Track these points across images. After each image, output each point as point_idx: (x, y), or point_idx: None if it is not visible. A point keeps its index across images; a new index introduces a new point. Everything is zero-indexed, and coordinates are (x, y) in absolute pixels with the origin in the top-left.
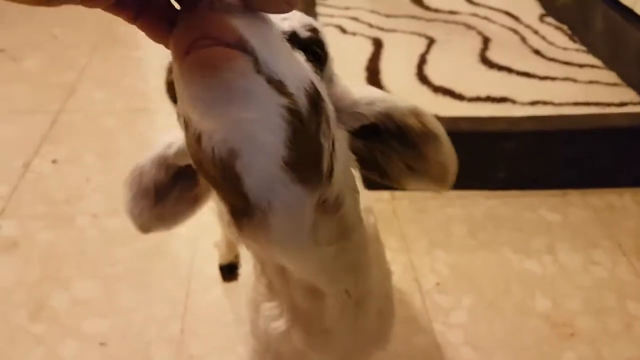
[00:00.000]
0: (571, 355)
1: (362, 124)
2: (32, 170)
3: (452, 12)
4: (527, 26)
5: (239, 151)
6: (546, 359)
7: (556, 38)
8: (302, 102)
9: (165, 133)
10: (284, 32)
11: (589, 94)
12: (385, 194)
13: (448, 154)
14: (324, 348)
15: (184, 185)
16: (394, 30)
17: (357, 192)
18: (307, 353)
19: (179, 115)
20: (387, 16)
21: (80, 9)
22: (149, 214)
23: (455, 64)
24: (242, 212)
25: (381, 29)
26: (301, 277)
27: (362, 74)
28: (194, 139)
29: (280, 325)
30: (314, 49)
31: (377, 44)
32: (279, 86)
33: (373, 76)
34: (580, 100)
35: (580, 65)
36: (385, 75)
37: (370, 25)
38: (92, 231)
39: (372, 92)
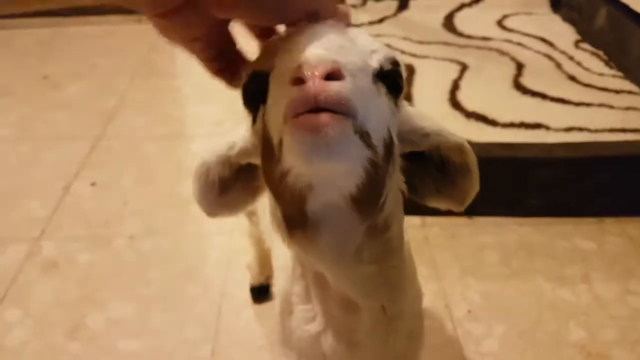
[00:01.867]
0: None
1: (412, 150)
2: (72, 193)
3: (485, 39)
4: (562, 52)
5: (316, 187)
6: None
7: (592, 64)
8: (381, 151)
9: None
10: (373, 69)
11: (626, 120)
12: (415, 220)
13: (475, 184)
14: (350, 359)
15: (245, 179)
16: (426, 57)
17: (403, 215)
18: None
19: (254, 129)
20: (420, 43)
21: (119, 39)
22: (215, 203)
23: (488, 90)
24: (297, 223)
25: (414, 55)
26: (339, 289)
27: None
28: (279, 170)
29: (312, 328)
30: (394, 80)
31: (410, 71)
32: (366, 138)
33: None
34: (617, 126)
35: (617, 91)
36: (418, 101)
37: (403, 52)
38: (128, 253)
39: (429, 122)
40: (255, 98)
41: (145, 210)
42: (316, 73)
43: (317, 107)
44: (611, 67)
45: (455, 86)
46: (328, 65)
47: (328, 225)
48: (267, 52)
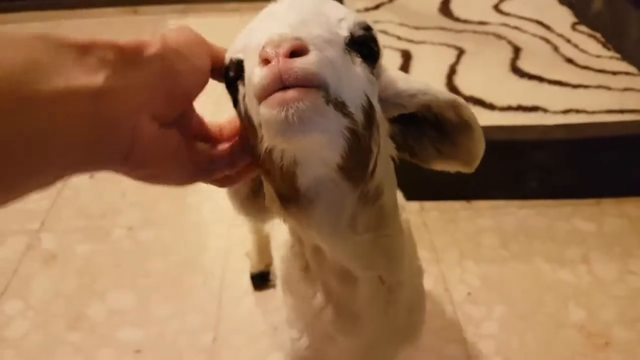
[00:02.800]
0: None
1: (401, 113)
2: (70, 186)
3: (481, 23)
4: (560, 35)
5: (301, 162)
6: None
7: (589, 46)
8: (360, 118)
9: None
10: (344, 37)
11: (624, 101)
12: (414, 205)
13: (479, 142)
14: (352, 331)
15: None
16: (423, 42)
17: (395, 181)
18: (335, 336)
19: (241, 115)
20: (416, 28)
21: (115, 30)
22: (250, 209)
23: (485, 74)
24: (291, 199)
25: (410, 41)
26: (336, 261)
27: None
28: (264, 150)
29: (313, 304)
30: (368, 45)
31: (406, 56)
32: (342, 108)
33: None
34: (615, 107)
35: (614, 73)
36: None
37: (399, 38)
38: (127, 244)
39: (415, 83)
40: (234, 82)
41: (143, 201)
42: (280, 51)
43: (285, 85)
44: (608, 49)
45: (452, 71)
46: (290, 43)
47: (320, 196)
48: (241, 38)
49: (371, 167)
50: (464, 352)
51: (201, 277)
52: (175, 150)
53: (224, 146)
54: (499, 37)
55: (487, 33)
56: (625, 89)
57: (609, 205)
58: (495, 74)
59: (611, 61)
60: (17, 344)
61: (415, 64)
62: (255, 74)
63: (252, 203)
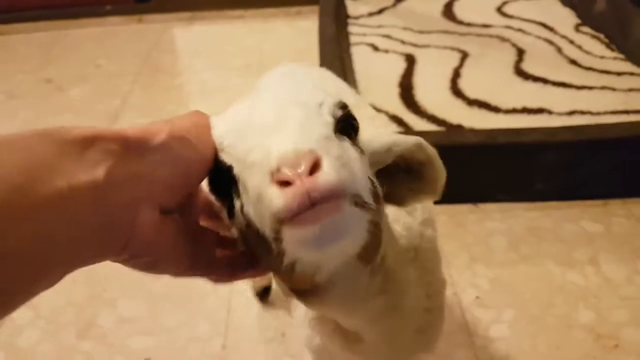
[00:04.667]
0: None
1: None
2: None
3: (485, 26)
4: (563, 36)
5: (324, 266)
6: None
7: (593, 47)
8: (373, 204)
9: None
10: (331, 124)
11: (628, 102)
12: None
13: (441, 171)
14: (361, 354)
15: None
16: (427, 46)
17: (394, 238)
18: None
19: (238, 228)
20: (420, 32)
21: (121, 39)
22: None
23: (489, 77)
24: (306, 291)
25: (414, 45)
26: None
27: (395, 91)
28: (283, 262)
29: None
30: (349, 122)
31: (410, 60)
32: (361, 202)
33: (406, 92)
34: (619, 108)
35: (619, 74)
36: (419, 91)
37: (403, 42)
38: None
39: (384, 137)
40: (223, 191)
41: None
42: (300, 172)
43: (313, 203)
44: (612, 50)
45: (456, 74)
46: (308, 161)
47: (336, 283)
48: (218, 139)
49: (383, 243)
50: (474, 355)
51: (210, 284)
52: (175, 239)
53: (223, 252)
54: (502, 39)
55: (490, 36)
56: (630, 90)
57: (616, 206)
58: (500, 77)
59: (615, 62)
60: (29, 353)
61: (419, 68)
62: (276, 197)
63: None
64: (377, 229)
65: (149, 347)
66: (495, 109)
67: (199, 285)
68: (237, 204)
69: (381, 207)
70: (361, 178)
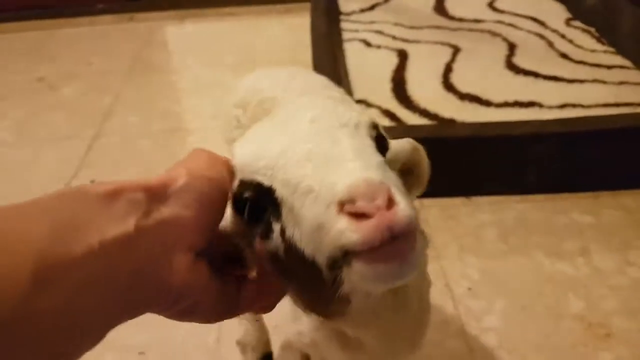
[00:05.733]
0: (607, 355)
1: None
2: None
3: (476, 21)
4: (554, 31)
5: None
6: None
7: (584, 41)
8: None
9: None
10: (372, 146)
11: (619, 94)
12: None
13: (428, 166)
14: (356, 355)
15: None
16: (418, 41)
17: None
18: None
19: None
20: (412, 28)
21: (113, 38)
22: None
23: (481, 71)
24: (327, 305)
25: (406, 40)
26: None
27: (388, 86)
28: (338, 294)
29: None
30: (381, 143)
31: (402, 56)
32: (417, 227)
33: (399, 87)
34: (610, 101)
35: (609, 67)
36: (411, 86)
37: (395, 38)
38: None
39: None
40: (255, 210)
41: None
42: (378, 205)
43: (392, 237)
44: (603, 43)
45: (448, 69)
46: (384, 193)
47: (357, 296)
48: (252, 153)
49: None
50: (466, 345)
51: None
52: (209, 278)
53: (252, 286)
54: (494, 34)
55: (482, 31)
56: (621, 83)
57: (606, 198)
58: (491, 71)
59: (606, 55)
60: None
61: (411, 63)
62: (349, 230)
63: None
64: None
65: (143, 342)
66: (487, 103)
67: None
68: (276, 227)
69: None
70: (410, 203)
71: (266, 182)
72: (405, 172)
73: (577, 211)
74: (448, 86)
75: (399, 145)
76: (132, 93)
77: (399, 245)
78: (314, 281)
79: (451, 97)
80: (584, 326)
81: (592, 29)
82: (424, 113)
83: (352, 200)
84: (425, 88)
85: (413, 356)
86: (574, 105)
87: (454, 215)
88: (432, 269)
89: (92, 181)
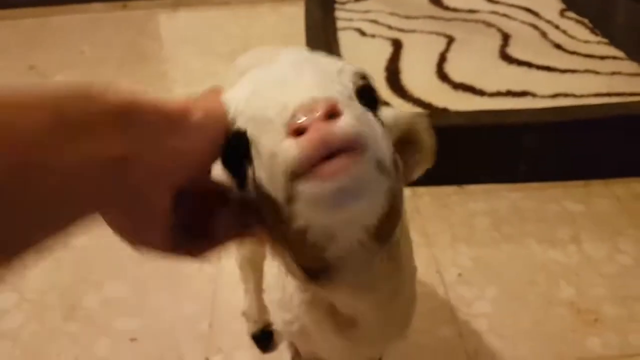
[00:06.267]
0: (596, 340)
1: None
2: None
3: (471, 11)
4: (548, 21)
5: (339, 235)
6: (571, 346)
7: (577, 32)
8: (394, 173)
9: None
10: (353, 90)
11: (611, 85)
12: (406, 191)
13: (432, 137)
14: (350, 336)
15: None
16: (413, 31)
17: (405, 225)
18: (330, 335)
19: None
20: (407, 17)
21: (105, 26)
22: None
23: (475, 61)
24: (316, 269)
25: (400, 30)
26: (346, 312)
27: (382, 75)
28: (293, 229)
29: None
30: (370, 94)
31: (397, 45)
32: (382, 167)
33: (393, 76)
34: (602, 91)
35: (602, 57)
36: (405, 75)
37: (390, 27)
38: None
39: (388, 111)
40: (236, 162)
41: None
42: (315, 116)
43: (328, 154)
44: (596, 34)
45: (442, 59)
46: (325, 104)
47: (348, 263)
48: (232, 108)
49: (399, 222)
50: (457, 331)
51: (197, 265)
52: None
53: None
54: (488, 24)
55: (476, 21)
56: (613, 73)
57: (598, 187)
58: (485, 61)
59: (599, 46)
60: (14, 335)
61: (405, 53)
62: (288, 148)
63: None
64: (396, 202)
65: (134, 327)
66: (481, 93)
67: (186, 266)
68: (249, 171)
69: (401, 184)
70: (383, 144)
71: (242, 124)
72: (408, 145)
73: (568, 199)
74: (442, 76)
75: (399, 114)
76: (124, 82)
77: (337, 162)
78: (279, 224)
79: (445, 87)
80: (574, 312)
81: (586, 20)
82: (418, 102)
83: (294, 117)
84: (419, 77)
85: (403, 339)
86: (566, 95)
87: (447, 204)
88: (424, 255)
89: None
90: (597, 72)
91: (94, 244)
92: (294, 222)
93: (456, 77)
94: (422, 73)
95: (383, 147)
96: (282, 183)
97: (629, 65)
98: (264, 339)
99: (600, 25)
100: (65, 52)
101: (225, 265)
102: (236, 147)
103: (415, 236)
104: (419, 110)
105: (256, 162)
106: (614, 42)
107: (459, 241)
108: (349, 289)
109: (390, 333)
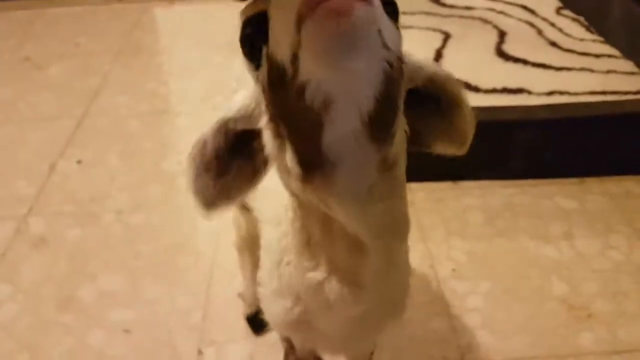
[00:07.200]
0: (588, 336)
1: (409, 87)
2: (58, 172)
3: (467, 8)
4: (544, 19)
5: (336, 100)
6: (563, 341)
7: (573, 30)
8: (395, 58)
9: (186, 134)
10: None
11: (606, 83)
12: None
13: (470, 121)
14: (353, 301)
15: (242, 161)
16: (410, 27)
17: (405, 153)
18: (334, 306)
19: (256, 71)
20: (403, 13)
21: (102, 18)
22: (212, 188)
23: (471, 58)
24: (312, 164)
25: None
26: (348, 231)
27: None
28: (296, 88)
29: (315, 275)
30: (391, 4)
31: None
32: (383, 40)
33: None
34: (597, 89)
35: (597, 56)
36: None
37: None
38: (117, 227)
39: (416, 57)
40: (254, 43)
41: (132, 185)
42: None
43: None
44: (592, 32)
45: (438, 55)
46: None
47: (344, 160)
48: None
49: (394, 128)
50: (449, 325)
51: (192, 258)
52: None
53: None
54: (484, 21)
55: (473, 18)
56: (608, 71)
57: (591, 184)
58: (481, 58)
59: (594, 44)
60: (8, 326)
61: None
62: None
63: (214, 179)
64: (392, 88)
65: (128, 319)
66: (476, 89)
67: (181, 259)
68: (264, 50)
69: (402, 89)
70: (392, 35)
71: (263, 7)
72: (443, 110)
73: (562, 196)
74: None
75: (434, 64)
76: (120, 74)
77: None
78: (283, 90)
79: None
80: (566, 308)
81: (582, 18)
82: None
83: None
84: None
85: (400, 319)
86: (561, 93)
87: (441, 199)
88: (418, 250)
89: (78, 161)
90: (592, 70)
91: (88, 237)
92: (296, 79)
93: (452, 73)
94: None
95: (390, 36)
96: (289, 32)
97: (624, 64)
98: (258, 321)
99: (596, 23)
100: (60, 44)
101: (219, 258)
102: (257, 28)
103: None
104: None
105: (271, 34)
106: (609, 40)
107: (453, 236)
108: (342, 193)
109: (387, 308)
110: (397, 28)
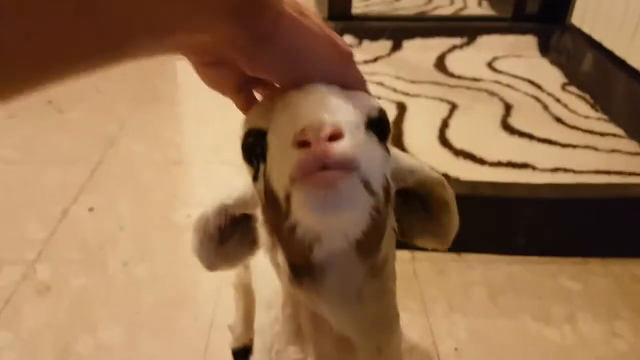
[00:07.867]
0: None
1: (399, 188)
2: (70, 217)
3: (475, 79)
4: (550, 94)
5: (324, 238)
6: None
7: (578, 106)
8: (381, 197)
9: (197, 186)
10: (364, 120)
11: (610, 162)
12: (405, 254)
13: (455, 221)
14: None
15: (243, 231)
16: (418, 95)
17: (395, 252)
18: None
19: (258, 182)
20: (412, 82)
21: (124, 65)
22: (214, 254)
23: (476, 129)
24: (303, 270)
25: (406, 94)
26: (339, 330)
27: None
28: (287, 224)
29: None
30: (381, 125)
31: (401, 108)
32: (369, 187)
33: (395, 138)
34: (601, 168)
35: (602, 134)
36: (408, 137)
37: (395, 90)
38: (121, 278)
39: (411, 160)
40: (253, 155)
41: (140, 236)
42: (320, 135)
43: (324, 167)
44: (597, 110)
45: (444, 124)
46: (331, 128)
47: (333, 269)
48: (263, 110)
49: (382, 241)
50: None
51: (192, 314)
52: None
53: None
54: (491, 93)
55: (479, 89)
56: (612, 151)
57: (595, 265)
58: (487, 130)
59: (599, 122)
60: None
61: (409, 116)
62: (292, 155)
63: (216, 247)
64: (380, 220)
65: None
66: (481, 161)
67: (180, 314)
68: (261, 167)
69: (390, 207)
70: (376, 169)
71: (264, 126)
72: (429, 210)
73: (565, 276)
74: (443, 141)
75: (425, 167)
76: (138, 121)
77: (331, 174)
78: (278, 217)
79: (446, 152)
80: None
81: (587, 95)
82: None
83: (302, 133)
84: (421, 141)
85: None
86: (565, 170)
87: (444, 271)
88: (420, 324)
89: (90, 209)
90: (596, 149)
91: (93, 286)
92: (288, 217)
93: (457, 143)
94: (424, 137)
95: (375, 171)
96: (284, 184)
97: (628, 144)
98: (243, 354)
99: (601, 101)
100: (81, 87)
101: (218, 319)
102: (257, 142)
103: (412, 302)
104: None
105: (268, 159)
106: (613, 119)
107: (455, 311)
108: (333, 297)
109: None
110: (387, 149)
